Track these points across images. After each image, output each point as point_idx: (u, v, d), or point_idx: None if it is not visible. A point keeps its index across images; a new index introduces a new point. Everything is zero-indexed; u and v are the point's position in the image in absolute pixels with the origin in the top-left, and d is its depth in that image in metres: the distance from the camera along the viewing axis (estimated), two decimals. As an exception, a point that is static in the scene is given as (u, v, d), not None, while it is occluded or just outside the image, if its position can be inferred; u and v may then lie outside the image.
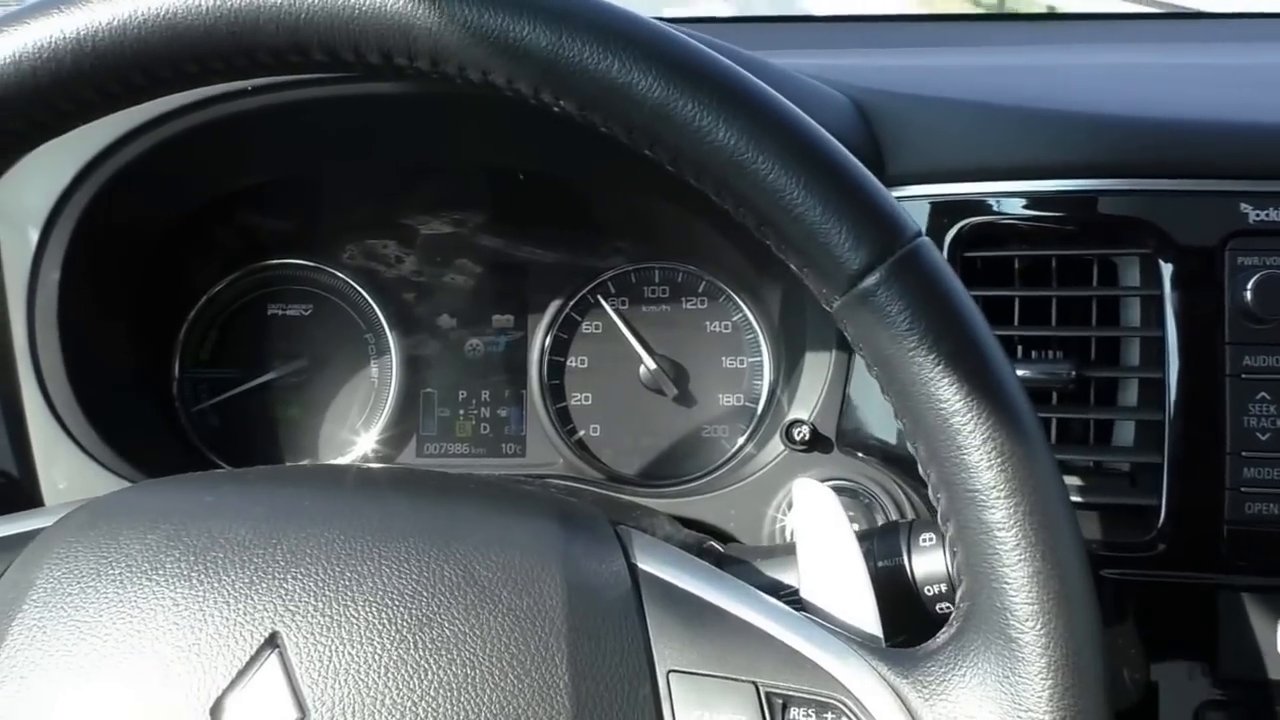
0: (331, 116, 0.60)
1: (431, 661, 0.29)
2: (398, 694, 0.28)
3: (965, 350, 0.29)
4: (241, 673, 0.28)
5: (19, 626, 0.30)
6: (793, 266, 0.31)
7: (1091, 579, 0.29)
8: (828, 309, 0.31)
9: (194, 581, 0.30)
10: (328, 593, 0.30)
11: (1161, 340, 0.53)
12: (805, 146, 0.30)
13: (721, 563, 0.47)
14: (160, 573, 0.30)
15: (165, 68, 0.30)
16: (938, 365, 0.29)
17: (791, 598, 0.44)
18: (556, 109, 0.31)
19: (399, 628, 0.29)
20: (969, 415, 0.29)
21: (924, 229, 0.32)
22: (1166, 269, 0.54)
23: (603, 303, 0.71)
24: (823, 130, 0.31)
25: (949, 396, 0.29)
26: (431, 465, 0.71)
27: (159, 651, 0.29)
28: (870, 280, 0.30)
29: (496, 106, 0.60)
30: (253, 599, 0.29)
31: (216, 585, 0.30)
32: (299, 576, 0.30)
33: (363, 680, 0.28)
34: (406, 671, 0.28)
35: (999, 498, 0.29)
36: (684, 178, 0.31)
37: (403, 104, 0.60)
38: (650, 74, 0.29)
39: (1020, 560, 0.28)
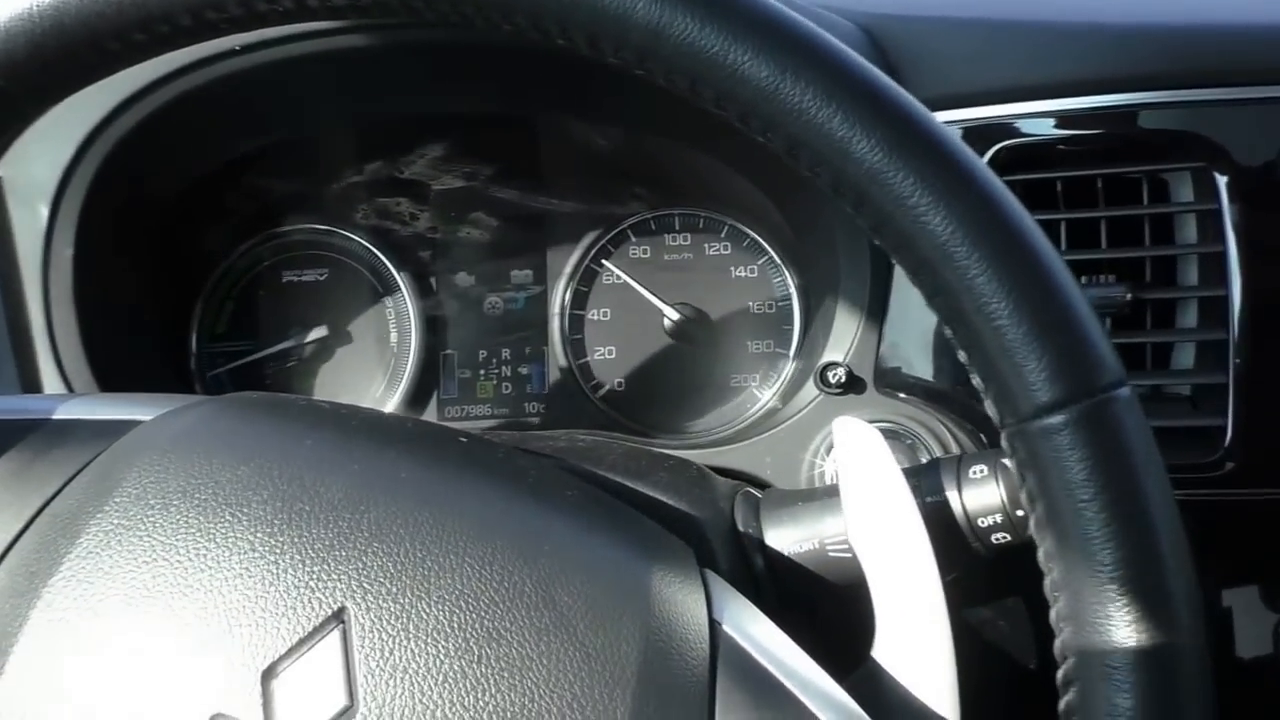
0: (326, 71, 0.58)
1: (492, 682, 0.27)
2: (450, 709, 0.26)
3: (1141, 526, 0.27)
4: (301, 642, 0.27)
5: (96, 528, 0.29)
6: (972, 374, 0.29)
7: None
8: (997, 426, 0.29)
9: (275, 530, 0.29)
10: (404, 579, 0.28)
11: (1222, 256, 0.51)
12: (1024, 254, 0.27)
13: (761, 510, 0.45)
14: (245, 511, 0.29)
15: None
16: (1107, 528, 0.26)
17: (839, 544, 0.42)
18: (763, 139, 0.29)
19: (467, 636, 0.27)
20: (1127, 590, 0.26)
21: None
22: (1222, 181, 0.51)
23: (608, 265, 0.69)
24: (1046, 239, 0.28)
25: (1110, 561, 0.26)
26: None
27: (226, 596, 0.28)
28: (1056, 418, 0.27)
29: (504, 54, 0.58)
30: (329, 565, 0.28)
31: (297, 541, 0.28)
32: (379, 554, 0.28)
33: (419, 684, 0.27)
34: (465, 686, 0.27)
35: (1135, 685, 0.26)
36: (884, 247, 0.29)
37: (406, 54, 0.58)
38: (872, 137, 0.27)
39: None
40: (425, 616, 0.28)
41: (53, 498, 0.30)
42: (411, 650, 0.27)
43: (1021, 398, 0.27)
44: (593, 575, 0.30)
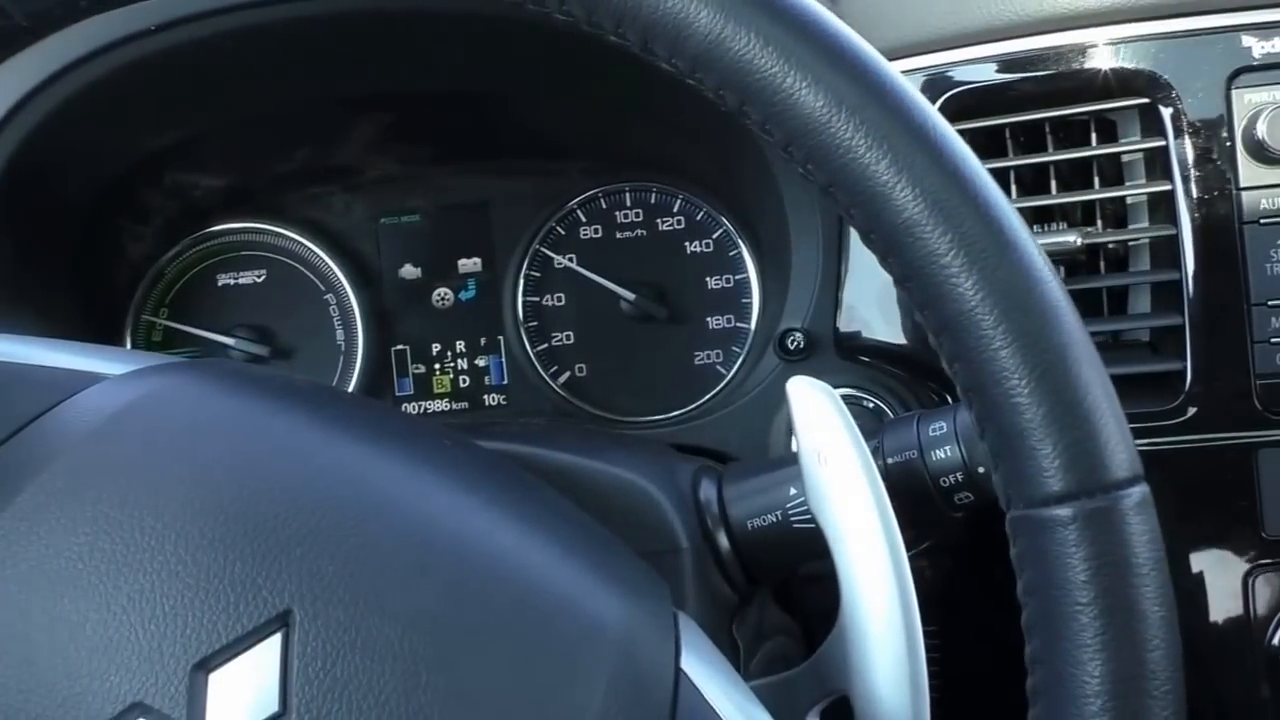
0: (241, 52, 0.55)
1: (435, 713, 0.25)
2: None
3: (1136, 638, 0.26)
4: (240, 640, 0.25)
5: (38, 487, 0.26)
6: (984, 443, 0.28)
7: None
8: (1002, 508, 0.28)
9: (231, 517, 0.27)
10: (361, 588, 0.26)
11: (1170, 195, 0.50)
12: (1055, 333, 0.26)
13: (723, 483, 0.44)
14: (202, 492, 0.27)
15: None
16: (1099, 636, 0.26)
17: (799, 508, 0.41)
18: (803, 171, 0.27)
19: (416, 661, 0.26)
20: (1110, 709, 0.25)
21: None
22: (1167, 114, 0.50)
23: (556, 255, 0.67)
24: (1078, 318, 0.27)
25: (1098, 674, 0.25)
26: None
27: (165, 581, 0.26)
28: (1063, 510, 0.26)
29: (434, 24, 0.55)
30: (282, 563, 0.26)
31: (251, 531, 0.27)
32: (338, 558, 0.27)
33: (357, 702, 0.25)
34: (405, 713, 0.25)
35: None
36: (910, 298, 0.27)
37: (334, 28, 0.55)
38: (916, 188, 0.26)
39: None
40: (375, 633, 0.26)
41: None
42: (355, 665, 0.25)
43: (1031, 483, 0.26)
44: (563, 609, 0.28)
